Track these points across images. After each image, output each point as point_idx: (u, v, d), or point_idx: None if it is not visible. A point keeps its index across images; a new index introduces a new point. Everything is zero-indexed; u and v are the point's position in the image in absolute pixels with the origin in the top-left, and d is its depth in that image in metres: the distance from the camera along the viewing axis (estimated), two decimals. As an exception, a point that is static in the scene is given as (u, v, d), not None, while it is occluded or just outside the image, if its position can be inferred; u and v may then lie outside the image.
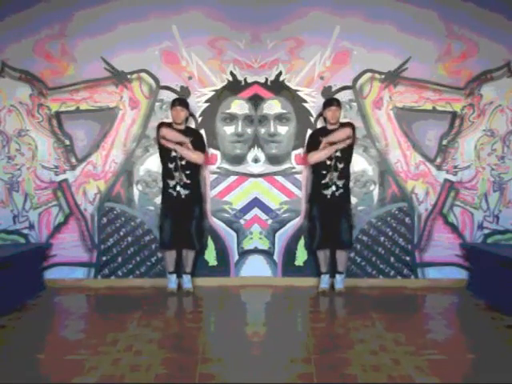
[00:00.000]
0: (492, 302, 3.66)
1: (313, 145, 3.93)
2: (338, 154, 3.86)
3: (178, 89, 4.17)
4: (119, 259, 4.24)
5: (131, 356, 2.66)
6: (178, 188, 3.89)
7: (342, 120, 4.01)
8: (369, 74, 4.18)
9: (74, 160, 4.21)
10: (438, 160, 4.21)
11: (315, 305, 3.74)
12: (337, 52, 4.15)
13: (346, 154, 3.90)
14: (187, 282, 4.06)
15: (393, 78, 4.17)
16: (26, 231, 4.22)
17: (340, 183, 3.88)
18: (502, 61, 4.14)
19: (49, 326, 3.28)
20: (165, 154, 3.90)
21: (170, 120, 3.99)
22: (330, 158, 3.87)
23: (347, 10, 4.09)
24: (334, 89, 4.17)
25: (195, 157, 3.89)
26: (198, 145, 3.94)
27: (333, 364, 2.54)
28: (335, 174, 3.87)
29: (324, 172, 3.89)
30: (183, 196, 3.90)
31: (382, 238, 4.24)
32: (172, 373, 2.45)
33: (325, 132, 3.93)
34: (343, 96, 4.14)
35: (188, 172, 3.90)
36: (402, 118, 4.19)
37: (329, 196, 3.88)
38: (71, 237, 4.22)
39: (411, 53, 4.13)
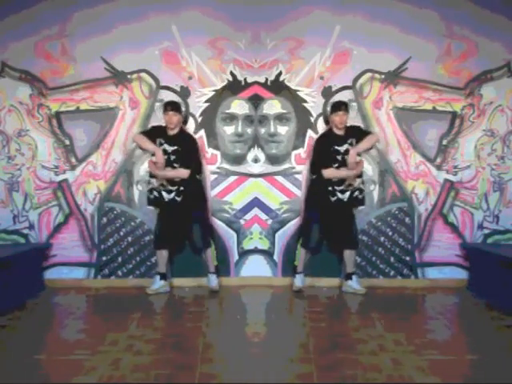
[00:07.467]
0: (492, 301, 3.66)
1: (325, 155, 3.89)
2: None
3: (178, 89, 4.17)
4: (119, 259, 4.24)
5: (131, 356, 2.66)
6: (163, 192, 3.89)
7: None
8: (369, 74, 4.17)
9: (73, 160, 4.21)
10: (438, 160, 4.21)
11: (315, 305, 3.74)
12: (337, 52, 4.14)
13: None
14: (213, 280, 4.04)
15: (393, 77, 4.16)
16: (26, 231, 4.22)
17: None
18: (502, 61, 4.14)
19: (49, 326, 3.28)
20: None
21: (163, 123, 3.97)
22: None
23: (347, 9, 4.09)
24: (334, 89, 4.17)
25: (178, 174, 3.86)
26: (186, 157, 3.88)
27: (333, 364, 2.54)
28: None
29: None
30: (166, 199, 3.89)
31: (382, 238, 4.24)
32: (172, 373, 2.45)
33: (333, 138, 3.91)
34: (343, 96, 4.14)
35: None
36: (402, 118, 4.18)
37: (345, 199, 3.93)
38: (71, 237, 4.22)
39: (411, 53, 4.13)
